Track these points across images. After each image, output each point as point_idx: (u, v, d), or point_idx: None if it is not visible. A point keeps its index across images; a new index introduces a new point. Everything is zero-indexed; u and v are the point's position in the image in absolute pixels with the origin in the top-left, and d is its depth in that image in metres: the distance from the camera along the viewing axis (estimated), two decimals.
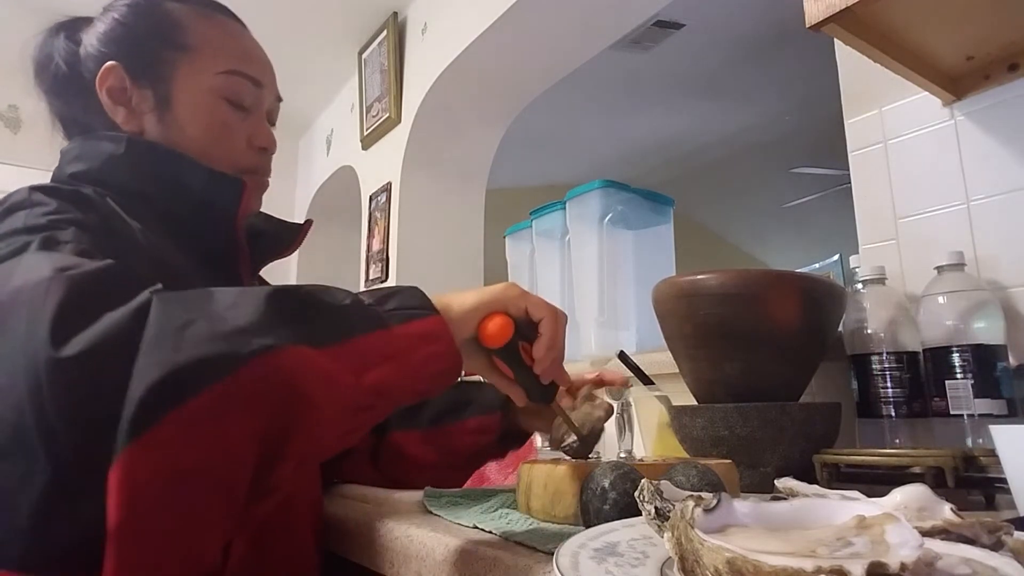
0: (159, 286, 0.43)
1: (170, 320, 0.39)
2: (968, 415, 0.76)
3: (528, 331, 0.54)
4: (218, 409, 0.37)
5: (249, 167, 0.74)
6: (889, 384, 0.81)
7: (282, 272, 3.15)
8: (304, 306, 0.43)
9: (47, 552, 0.38)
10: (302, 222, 0.81)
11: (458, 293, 0.52)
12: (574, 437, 0.63)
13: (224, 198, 0.69)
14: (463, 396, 0.83)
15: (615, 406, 0.80)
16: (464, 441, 0.80)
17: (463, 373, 0.52)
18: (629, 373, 0.94)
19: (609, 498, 0.48)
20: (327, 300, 0.45)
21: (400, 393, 0.47)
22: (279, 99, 0.79)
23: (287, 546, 0.66)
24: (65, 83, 0.74)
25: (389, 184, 2.62)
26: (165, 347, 0.37)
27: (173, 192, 0.68)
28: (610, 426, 0.75)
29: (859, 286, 0.88)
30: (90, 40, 0.73)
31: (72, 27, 0.76)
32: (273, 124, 0.79)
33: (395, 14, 2.68)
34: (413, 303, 0.47)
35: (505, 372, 0.56)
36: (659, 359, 1.03)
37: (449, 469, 0.79)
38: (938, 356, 0.79)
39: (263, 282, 0.81)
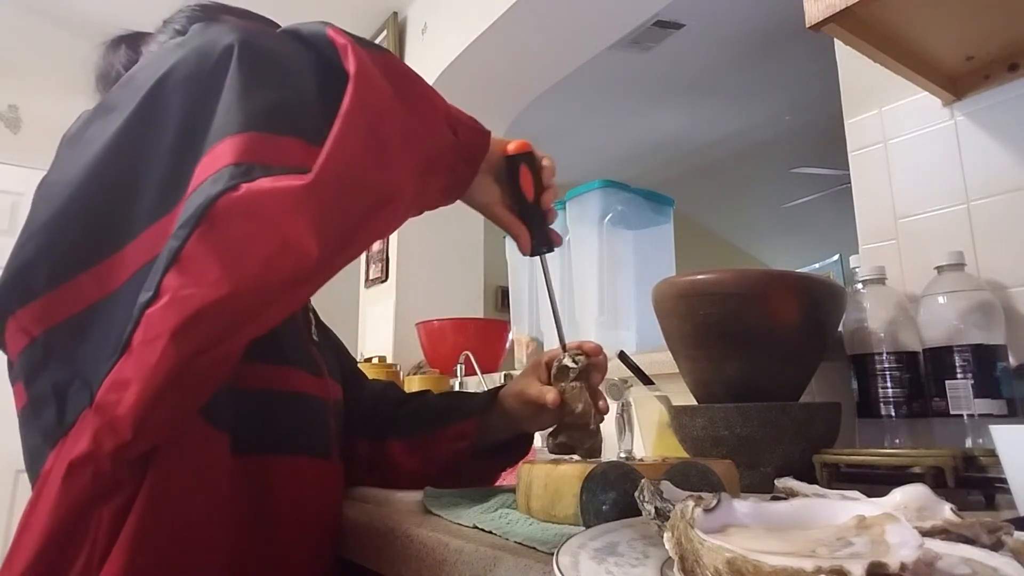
0: None
1: None
2: (968, 415, 0.76)
3: (532, 161, 0.67)
4: None
5: None
6: (889, 384, 0.81)
7: None
8: None
9: None
10: None
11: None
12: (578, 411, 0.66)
13: None
14: (448, 405, 0.84)
15: (615, 406, 0.80)
16: (442, 448, 0.80)
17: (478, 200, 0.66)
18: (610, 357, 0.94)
19: (609, 498, 0.48)
20: None
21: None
22: None
23: (305, 549, 0.66)
24: None
25: None
26: None
27: None
28: (610, 426, 0.76)
29: (859, 286, 0.88)
30: (149, 49, 0.78)
31: (133, 40, 0.81)
32: None
33: (395, 14, 2.68)
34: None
35: (511, 220, 0.67)
36: (659, 359, 1.03)
37: (430, 477, 0.79)
38: (938, 356, 0.79)
39: None
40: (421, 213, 0.59)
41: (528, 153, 0.67)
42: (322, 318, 0.86)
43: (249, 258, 0.46)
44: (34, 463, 0.56)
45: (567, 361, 0.68)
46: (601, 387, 0.75)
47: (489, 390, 0.83)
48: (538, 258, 0.70)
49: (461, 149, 0.61)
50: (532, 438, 0.86)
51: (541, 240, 0.68)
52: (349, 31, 0.55)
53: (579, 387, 0.68)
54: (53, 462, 0.53)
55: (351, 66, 0.51)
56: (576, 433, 0.67)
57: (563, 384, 0.69)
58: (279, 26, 0.83)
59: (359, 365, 0.97)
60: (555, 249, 0.70)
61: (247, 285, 0.47)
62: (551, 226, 0.70)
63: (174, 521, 0.54)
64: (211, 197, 0.46)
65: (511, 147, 0.67)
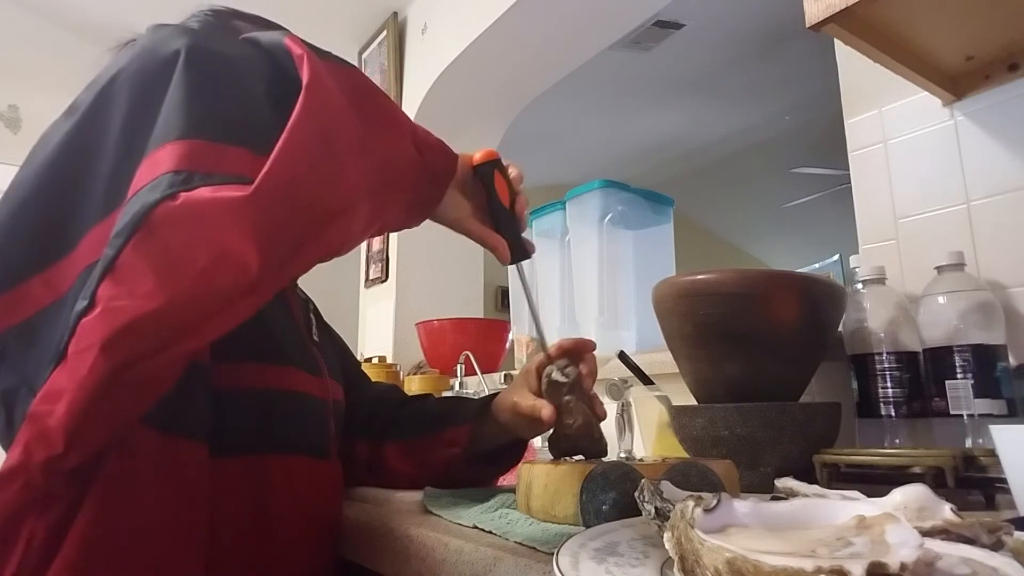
0: None
1: None
2: (968, 415, 0.76)
3: (502, 167, 0.67)
4: None
5: None
6: (889, 384, 0.81)
7: None
8: None
9: None
10: None
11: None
12: (573, 420, 0.65)
13: None
14: (444, 410, 0.84)
15: (615, 406, 0.80)
16: (435, 453, 0.80)
17: (449, 217, 0.65)
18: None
19: (609, 498, 0.48)
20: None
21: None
22: None
23: (304, 549, 0.66)
24: None
25: None
26: None
27: None
28: (610, 426, 0.76)
29: (859, 286, 0.88)
30: None
31: None
32: None
33: (395, 14, 2.68)
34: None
35: (486, 232, 0.66)
36: (659, 359, 1.03)
37: (423, 481, 0.78)
38: (938, 356, 0.79)
39: None
40: (383, 232, 0.59)
41: (498, 160, 0.66)
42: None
43: (185, 269, 0.45)
44: None
45: (556, 376, 0.67)
46: (601, 387, 0.74)
47: (483, 396, 0.83)
48: (515, 267, 0.68)
49: (425, 168, 0.59)
50: (525, 445, 0.85)
51: (518, 249, 0.66)
52: (308, 41, 0.54)
53: (574, 400, 0.66)
54: None
55: (304, 76, 0.50)
56: (581, 442, 0.66)
57: (557, 401, 0.67)
58: (288, 32, 0.83)
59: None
60: (531, 257, 0.69)
61: (182, 297, 0.45)
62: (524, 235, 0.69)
63: (131, 534, 0.51)
64: (148, 205, 0.45)
65: (478, 157, 0.66)
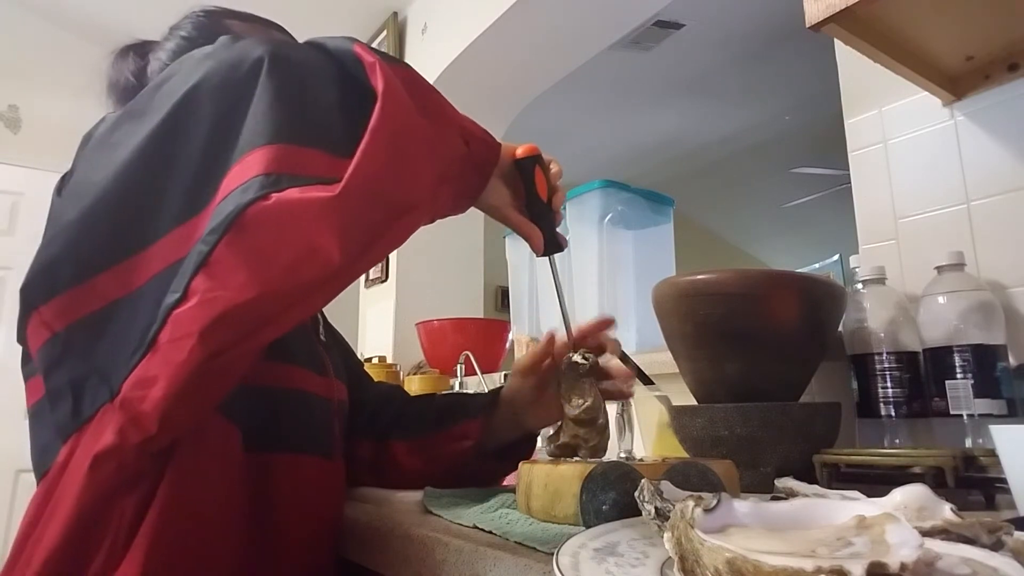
0: None
1: None
2: (968, 415, 0.76)
3: (543, 163, 0.69)
4: None
5: None
6: (889, 384, 0.81)
7: None
8: None
9: None
10: None
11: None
12: (580, 404, 0.67)
13: None
14: (451, 405, 0.84)
15: (615, 406, 0.80)
16: (445, 448, 0.80)
17: (490, 204, 0.67)
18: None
19: (609, 498, 0.48)
20: None
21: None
22: None
23: (305, 548, 0.66)
24: (133, 93, 0.81)
25: None
26: None
27: None
28: (610, 426, 0.76)
29: (859, 286, 0.88)
30: (157, 56, 0.81)
31: (140, 48, 0.84)
32: None
33: (395, 14, 2.68)
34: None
35: (523, 222, 0.68)
36: (659, 359, 1.03)
37: (433, 478, 0.79)
38: (938, 356, 0.79)
39: None
40: (433, 221, 0.61)
41: (539, 155, 0.69)
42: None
43: (275, 264, 0.49)
44: (44, 457, 0.58)
45: (577, 358, 0.69)
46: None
47: (491, 390, 0.83)
48: (547, 259, 0.72)
49: (472, 160, 0.62)
50: (535, 440, 0.86)
51: (552, 241, 0.70)
52: (374, 48, 0.58)
53: (588, 383, 0.68)
54: (68, 455, 0.55)
55: (379, 84, 0.53)
56: (584, 430, 0.67)
57: (574, 381, 0.69)
58: (283, 29, 0.85)
59: None
60: (563, 250, 0.72)
61: (272, 289, 0.49)
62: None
63: (192, 512, 0.56)
64: (241, 205, 0.48)
65: (520, 151, 0.69)
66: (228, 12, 0.84)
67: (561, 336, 0.74)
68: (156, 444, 0.53)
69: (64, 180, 0.61)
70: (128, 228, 0.55)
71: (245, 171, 0.50)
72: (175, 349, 0.48)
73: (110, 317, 0.54)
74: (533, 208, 0.69)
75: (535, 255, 0.70)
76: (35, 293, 0.58)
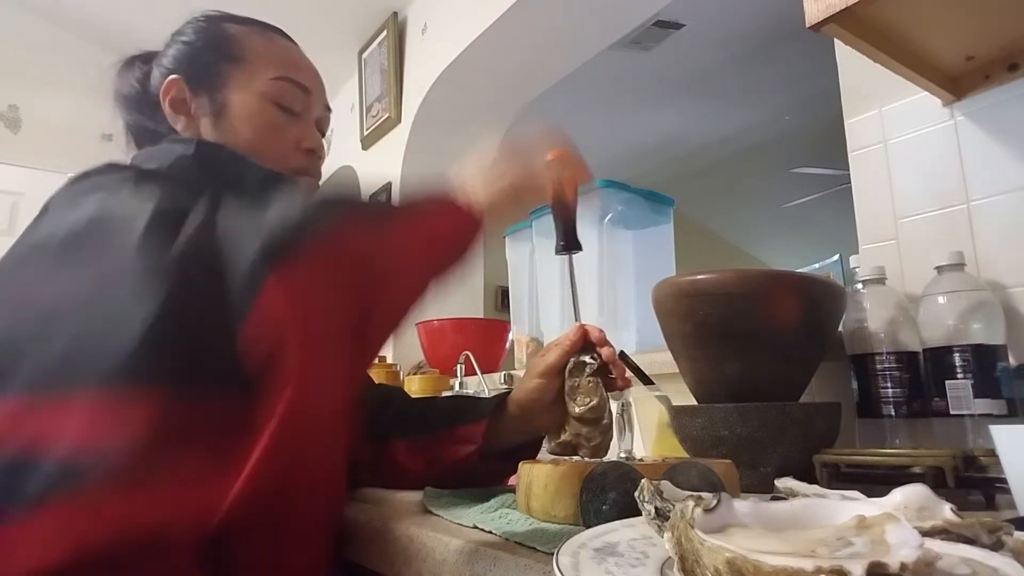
0: None
1: None
2: (968, 415, 0.76)
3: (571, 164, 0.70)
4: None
5: (298, 168, 0.80)
6: (889, 384, 0.81)
7: None
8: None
9: None
10: None
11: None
12: (583, 406, 0.67)
13: None
14: (456, 407, 0.83)
15: (615, 406, 0.80)
16: (447, 451, 0.80)
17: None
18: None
19: (609, 498, 0.48)
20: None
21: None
22: (328, 109, 0.86)
23: (304, 551, 0.66)
24: (138, 100, 0.83)
25: (389, 184, 2.62)
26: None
27: (234, 188, 0.71)
28: None
29: (859, 286, 0.88)
30: (160, 63, 0.82)
31: (146, 57, 0.86)
32: (323, 133, 0.85)
33: (395, 14, 2.68)
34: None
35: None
36: (659, 359, 1.03)
37: (433, 480, 0.78)
38: (938, 356, 0.79)
39: None
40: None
41: (568, 159, 0.71)
42: None
43: None
44: None
45: (585, 357, 0.69)
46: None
47: (499, 393, 0.83)
48: (561, 258, 0.74)
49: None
50: (540, 443, 0.85)
51: (572, 241, 0.72)
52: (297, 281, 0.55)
53: (595, 382, 0.68)
54: None
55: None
56: (588, 429, 0.67)
57: (578, 380, 0.69)
58: (283, 32, 0.85)
59: None
60: (581, 251, 0.74)
61: None
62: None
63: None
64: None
65: (550, 156, 0.70)
66: (228, 16, 0.84)
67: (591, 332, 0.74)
68: None
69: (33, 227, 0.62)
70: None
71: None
72: None
73: None
74: (557, 208, 0.71)
75: (555, 253, 0.72)
76: None
